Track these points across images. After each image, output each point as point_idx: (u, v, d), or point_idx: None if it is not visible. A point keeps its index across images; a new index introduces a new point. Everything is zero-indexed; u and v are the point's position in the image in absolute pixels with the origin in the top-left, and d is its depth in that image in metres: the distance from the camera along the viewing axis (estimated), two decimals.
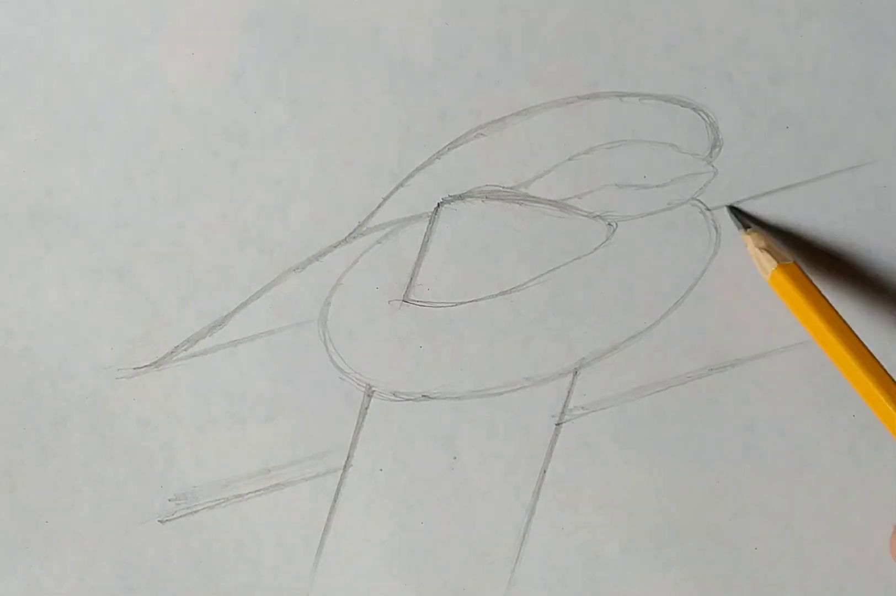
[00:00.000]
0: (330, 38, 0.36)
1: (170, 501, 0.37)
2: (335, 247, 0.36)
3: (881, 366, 0.31)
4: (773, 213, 0.35)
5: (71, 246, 0.37)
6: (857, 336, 0.31)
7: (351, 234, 0.36)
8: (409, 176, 0.36)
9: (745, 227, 0.34)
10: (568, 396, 0.36)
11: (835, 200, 0.34)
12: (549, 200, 0.35)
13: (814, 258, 0.35)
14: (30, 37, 0.37)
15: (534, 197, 0.35)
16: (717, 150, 0.35)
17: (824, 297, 0.32)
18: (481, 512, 0.36)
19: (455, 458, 0.36)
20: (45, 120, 0.37)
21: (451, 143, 0.35)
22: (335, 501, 0.37)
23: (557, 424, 0.36)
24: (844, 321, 0.32)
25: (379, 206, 0.36)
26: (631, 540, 0.36)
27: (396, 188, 0.36)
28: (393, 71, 0.36)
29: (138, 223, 0.37)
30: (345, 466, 0.37)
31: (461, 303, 0.36)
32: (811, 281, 0.32)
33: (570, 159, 0.35)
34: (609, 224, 0.35)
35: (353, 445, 0.36)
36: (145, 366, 0.37)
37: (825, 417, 0.35)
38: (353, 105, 0.36)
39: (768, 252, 0.33)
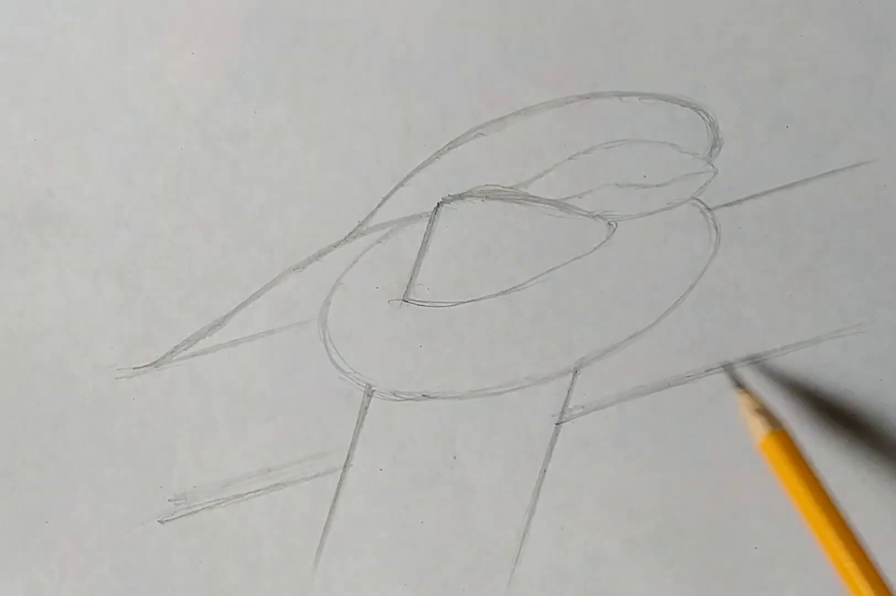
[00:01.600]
0: (330, 38, 0.36)
1: (169, 501, 0.37)
2: (335, 246, 0.36)
3: (859, 544, 0.30)
4: (771, 219, 0.35)
5: (71, 246, 0.37)
6: (838, 510, 0.31)
7: (351, 233, 0.36)
8: (409, 175, 0.36)
9: (739, 386, 0.34)
10: (568, 395, 0.36)
11: (835, 200, 0.34)
12: (549, 200, 0.35)
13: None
14: (30, 37, 0.37)
15: (534, 196, 0.35)
16: (716, 149, 0.35)
17: (811, 468, 0.32)
18: (481, 512, 0.36)
19: (455, 457, 0.36)
20: (45, 120, 0.37)
21: (451, 142, 0.35)
22: (335, 500, 0.37)
23: (557, 424, 0.36)
24: (828, 494, 0.31)
25: (379, 206, 0.36)
26: (631, 539, 0.36)
27: (396, 188, 0.36)
28: (393, 70, 0.36)
29: (138, 223, 0.37)
30: (345, 465, 0.37)
31: (461, 302, 0.36)
32: (799, 450, 0.32)
33: (569, 159, 0.35)
34: (609, 223, 0.35)
35: (352, 445, 0.36)
36: (145, 366, 0.37)
37: (824, 416, 0.35)
38: (352, 105, 0.36)
39: (762, 416, 0.33)
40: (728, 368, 0.35)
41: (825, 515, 0.31)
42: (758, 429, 0.33)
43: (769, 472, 0.35)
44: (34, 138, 0.37)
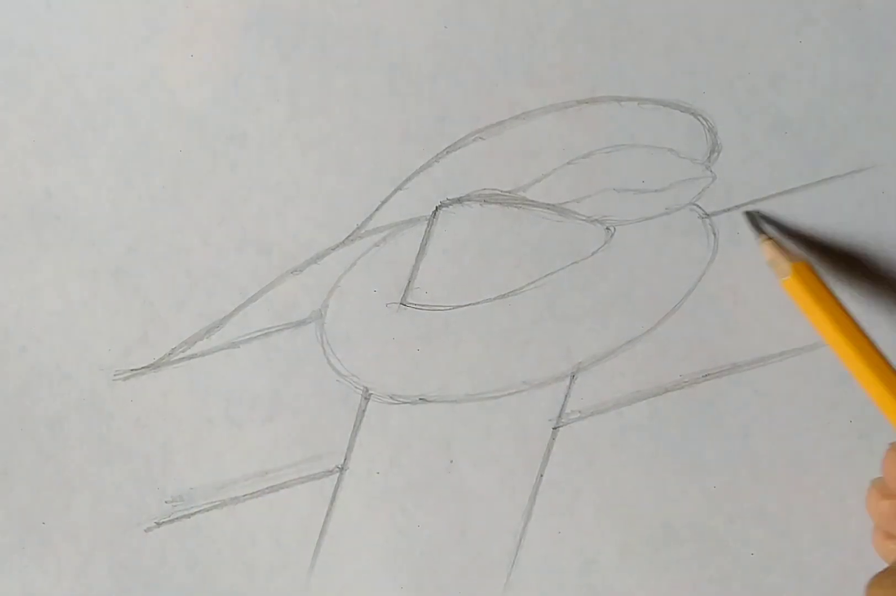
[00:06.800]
0: (329, 41, 0.36)
1: (166, 502, 0.37)
2: (333, 249, 0.36)
3: (892, 369, 0.31)
4: (770, 225, 0.35)
5: (69, 247, 0.37)
6: (867, 338, 0.32)
7: (349, 236, 0.36)
8: (408, 179, 0.36)
9: (760, 233, 0.34)
10: (565, 399, 0.36)
11: (833, 205, 0.34)
12: (548, 204, 0.35)
13: (820, 260, 0.35)
14: (30, 37, 0.37)
15: (532, 201, 0.35)
16: (715, 154, 0.35)
17: (835, 298, 0.33)
18: (478, 515, 0.36)
19: (452, 461, 0.36)
20: (44, 120, 0.37)
21: (450, 146, 0.35)
22: (332, 503, 0.37)
23: (554, 428, 0.36)
24: (856, 323, 0.32)
25: (377, 209, 0.36)
26: (627, 544, 0.36)
27: (395, 191, 0.36)
28: (392, 74, 0.36)
29: (136, 224, 0.37)
30: (341, 468, 0.37)
31: (459, 306, 0.36)
32: (822, 282, 0.33)
33: (568, 163, 0.35)
34: (607, 228, 0.35)
35: (349, 448, 0.36)
36: (143, 367, 0.37)
37: (822, 421, 0.35)
38: (352, 107, 0.36)
39: (784, 256, 0.33)
40: (749, 215, 0.35)
41: (852, 343, 0.32)
42: (782, 267, 0.33)
43: (766, 475, 0.35)
44: (33, 139, 0.37)
